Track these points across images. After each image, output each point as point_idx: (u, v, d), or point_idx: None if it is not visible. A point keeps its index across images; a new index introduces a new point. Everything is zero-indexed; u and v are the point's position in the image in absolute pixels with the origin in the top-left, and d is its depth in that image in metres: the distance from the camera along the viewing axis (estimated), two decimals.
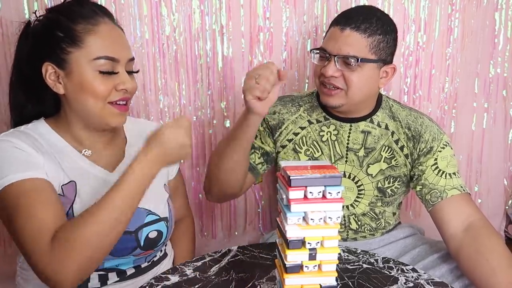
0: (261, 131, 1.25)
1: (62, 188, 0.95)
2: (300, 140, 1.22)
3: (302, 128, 1.23)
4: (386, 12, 1.49)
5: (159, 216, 1.04)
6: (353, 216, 1.24)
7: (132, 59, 0.99)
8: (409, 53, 1.57)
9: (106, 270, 1.01)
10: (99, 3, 1.35)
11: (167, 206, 1.09)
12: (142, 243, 1.01)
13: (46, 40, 0.93)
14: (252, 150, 1.23)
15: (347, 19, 1.10)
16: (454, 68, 1.61)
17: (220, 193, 1.21)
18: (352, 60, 1.08)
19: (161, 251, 1.13)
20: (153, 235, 1.03)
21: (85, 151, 1.01)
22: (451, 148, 1.19)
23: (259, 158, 1.25)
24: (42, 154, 0.93)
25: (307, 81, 1.57)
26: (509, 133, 1.75)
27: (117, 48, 0.95)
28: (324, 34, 1.52)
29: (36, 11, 0.98)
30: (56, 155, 0.96)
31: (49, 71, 0.94)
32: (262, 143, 1.25)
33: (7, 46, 1.39)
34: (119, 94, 0.96)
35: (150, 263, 1.08)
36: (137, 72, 1.02)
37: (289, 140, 1.23)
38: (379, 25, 1.10)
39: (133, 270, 1.04)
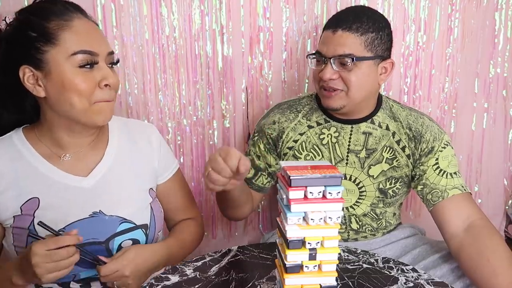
0: (262, 151, 1.26)
1: (21, 209, 0.94)
2: (300, 146, 1.22)
3: (302, 134, 1.22)
4: (386, 12, 1.51)
5: (135, 223, 1.00)
6: (354, 216, 1.24)
7: (112, 52, 0.95)
8: (409, 53, 1.57)
9: (88, 280, 0.99)
10: (98, 3, 1.37)
11: (150, 212, 1.04)
12: (114, 253, 0.96)
13: (20, 42, 0.90)
14: (259, 173, 1.26)
15: (338, 21, 1.11)
16: (454, 68, 1.61)
17: (237, 220, 1.41)
18: (348, 60, 1.08)
19: None
20: (127, 244, 0.98)
21: (64, 156, 0.98)
22: (452, 148, 1.19)
23: (266, 178, 1.27)
24: None
25: (307, 81, 1.57)
26: (509, 133, 1.75)
27: (94, 42, 0.91)
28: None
29: (6, 17, 0.94)
30: (21, 170, 0.95)
31: (26, 74, 0.89)
32: (266, 164, 1.26)
33: None
34: (104, 93, 0.92)
35: None
36: (117, 63, 0.98)
37: (290, 148, 1.23)
38: (370, 23, 1.10)
39: None
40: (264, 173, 1.26)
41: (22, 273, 0.86)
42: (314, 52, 1.16)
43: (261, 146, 1.25)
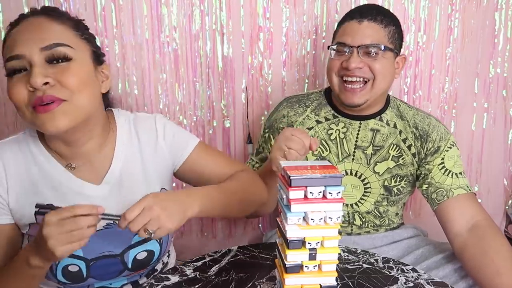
0: None
1: (35, 217, 0.89)
2: None
3: (310, 129, 1.23)
4: None
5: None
6: (357, 213, 1.25)
7: (50, 46, 0.82)
8: (409, 53, 1.57)
9: None
10: (99, 3, 1.37)
11: None
12: (129, 265, 0.94)
13: None
14: None
15: (362, 12, 1.14)
16: (454, 68, 1.61)
17: (259, 216, 1.34)
18: (374, 49, 1.11)
19: (162, 262, 1.07)
20: (142, 256, 0.95)
21: (69, 164, 0.92)
22: (458, 149, 1.20)
23: None
24: (14, 183, 0.89)
25: (306, 81, 1.57)
26: (509, 133, 1.75)
27: (21, 42, 0.82)
28: (324, 34, 1.52)
29: None
30: (36, 175, 0.90)
31: None
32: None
33: None
34: (33, 95, 0.81)
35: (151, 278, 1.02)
36: (65, 60, 0.84)
37: None
38: (391, 18, 1.15)
39: (130, 287, 1.00)
40: None
41: (37, 250, 0.77)
42: (335, 44, 1.17)
43: (273, 142, 1.25)
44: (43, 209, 0.77)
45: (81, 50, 0.87)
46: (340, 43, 1.15)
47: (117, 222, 0.77)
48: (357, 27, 1.13)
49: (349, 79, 1.13)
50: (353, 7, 1.49)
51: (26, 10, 1.36)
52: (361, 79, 1.13)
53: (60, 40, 0.84)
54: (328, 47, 1.19)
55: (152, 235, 0.77)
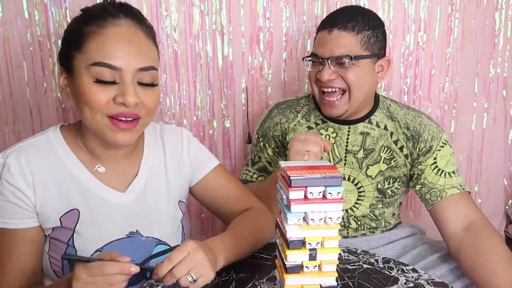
0: (271, 156, 1.26)
1: (60, 221, 0.89)
2: None
3: None
4: (386, 12, 1.51)
5: (169, 245, 0.96)
6: (353, 217, 1.24)
7: (145, 68, 0.84)
8: (409, 53, 1.57)
9: None
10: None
11: (181, 231, 1.01)
12: (148, 275, 0.91)
13: (63, 42, 0.88)
14: None
15: (333, 21, 1.11)
16: (454, 68, 1.61)
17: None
18: (346, 60, 1.08)
19: None
20: None
21: (98, 167, 0.93)
22: (450, 147, 1.19)
23: None
24: (40, 185, 0.88)
25: (306, 81, 1.57)
26: (509, 133, 1.75)
27: (121, 55, 0.82)
28: None
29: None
30: (62, 178, 0.90)
31: (63, 75, 0.88)
32: (277, 168, 1.26)
33: (7, 46, 1.38)
34: (118, 108, 0.83)
35: None
36: (153, 85, 0.87)
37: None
38: (366, 21, 1.10)
39: None
40: None
41: None
42: (309, 54, 1.16)
43: (269, 151, 1.25)
44: (71, 260, 0.75)
45: (158, 70, 0.90)
46: (314, 54, 1.14)
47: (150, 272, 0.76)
48: (327, 38, 1.10)
49: (326, 90, 1.13)
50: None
51: (26, 10, 1.36)
52: (337, 89, 1.12)
53: (153, 63, 0.87)
54: (303, 58, 1.18)
55: (195, 283, 0.76)
